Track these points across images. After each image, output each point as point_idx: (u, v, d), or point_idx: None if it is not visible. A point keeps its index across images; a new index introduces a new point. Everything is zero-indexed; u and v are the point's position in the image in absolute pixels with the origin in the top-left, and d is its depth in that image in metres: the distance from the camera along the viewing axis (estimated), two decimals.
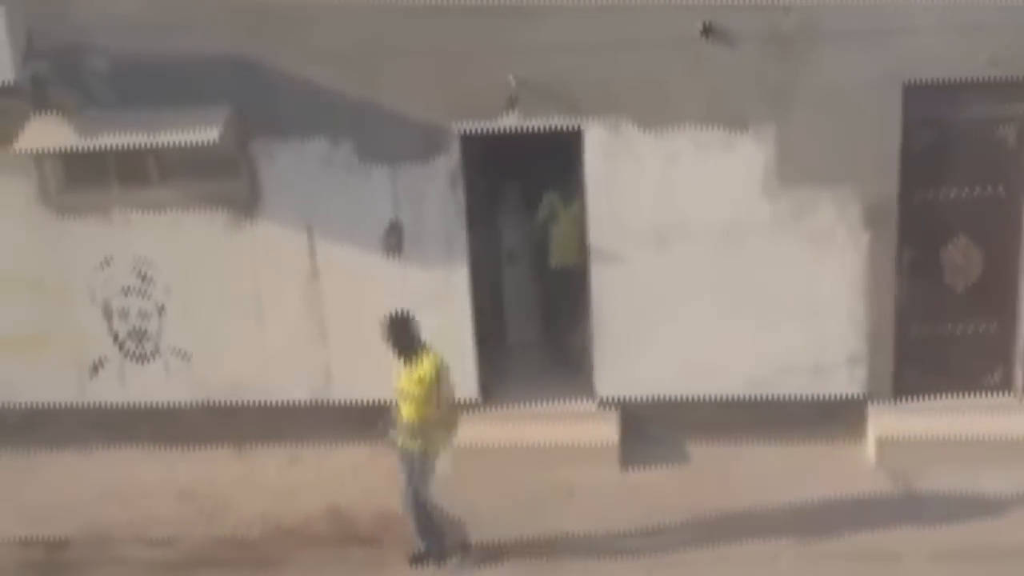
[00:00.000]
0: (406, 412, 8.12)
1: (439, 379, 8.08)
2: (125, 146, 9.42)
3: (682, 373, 9.84)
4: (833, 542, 8.58)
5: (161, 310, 10.21)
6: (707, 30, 9.01)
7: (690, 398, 9.88)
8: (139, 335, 10.30)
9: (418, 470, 8.23)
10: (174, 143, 9.33)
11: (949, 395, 9.83)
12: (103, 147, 9.44)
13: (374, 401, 10.05)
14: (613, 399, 10.04)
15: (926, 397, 9.83)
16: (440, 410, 8.13)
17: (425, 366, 8.05)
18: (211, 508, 9.41)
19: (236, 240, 9.95)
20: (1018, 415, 9.62)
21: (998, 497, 9.02)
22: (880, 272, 9.51)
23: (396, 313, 8.13)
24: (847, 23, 8.93)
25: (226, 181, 9.80)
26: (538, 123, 9.40)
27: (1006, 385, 9.80)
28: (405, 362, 8.11)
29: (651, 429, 9.93)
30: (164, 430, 10.32)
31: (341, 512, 9.27)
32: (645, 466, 9.75)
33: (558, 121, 9.40)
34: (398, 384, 8.16)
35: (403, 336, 8.09)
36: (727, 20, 9.03)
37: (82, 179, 9.93)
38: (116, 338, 10.32)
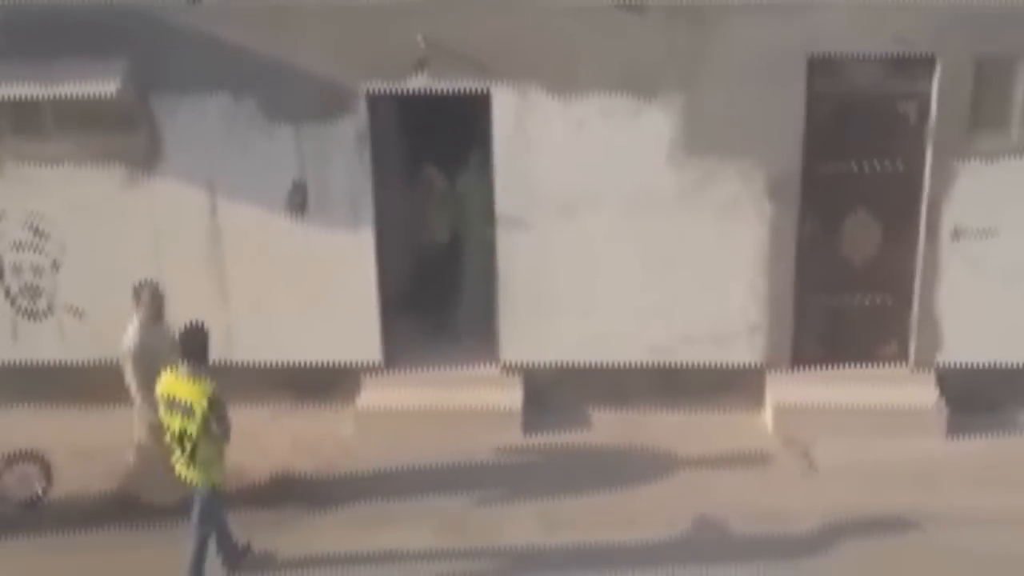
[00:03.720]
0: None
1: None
2: (20, 97, 9.19)
3: (586, 340, 9.89)
4: (729, 507, 8.72)
5: (55, 266, 9.96)
6: None
7: (593, 365, 9.94)
8: (32, 292, 10.04)
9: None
10: (71, 95, 9.12)
11: (845, 365, 10.02)
12: None
13: (275, 363, 10.01)
14: (517, 365, 10.06)
15: (823, 367, 10.02)
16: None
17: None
18: (107, 467, 9.23)
19: (134, 197, 9.72)
20: (911, 386, 9.85)
21: (889, 465, 9.23)
22: (781, 243, 9.63)
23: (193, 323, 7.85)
24: None
25: (124, 136, 9.56)
26: (447, 85, 9.31)
27: (901, 356, 10.01)
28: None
29: (554, 395, 9.98)
30: (59, 389, 10.10)
31: (240, 473, 9.17)
32: (547, 432, 9.81)
33: (467, 84, 9.32)
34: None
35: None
36: None
37: None
38: (8, 294, 10.06)
